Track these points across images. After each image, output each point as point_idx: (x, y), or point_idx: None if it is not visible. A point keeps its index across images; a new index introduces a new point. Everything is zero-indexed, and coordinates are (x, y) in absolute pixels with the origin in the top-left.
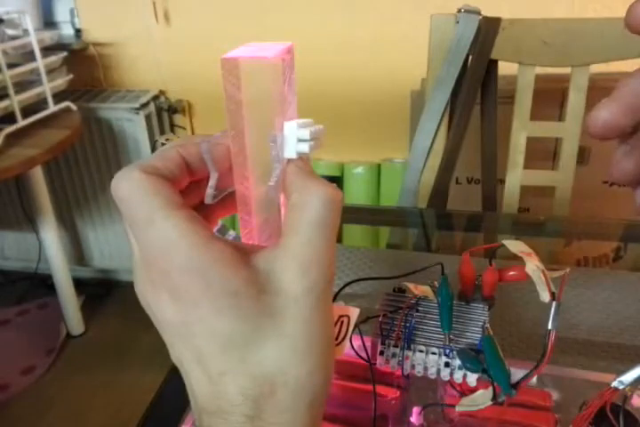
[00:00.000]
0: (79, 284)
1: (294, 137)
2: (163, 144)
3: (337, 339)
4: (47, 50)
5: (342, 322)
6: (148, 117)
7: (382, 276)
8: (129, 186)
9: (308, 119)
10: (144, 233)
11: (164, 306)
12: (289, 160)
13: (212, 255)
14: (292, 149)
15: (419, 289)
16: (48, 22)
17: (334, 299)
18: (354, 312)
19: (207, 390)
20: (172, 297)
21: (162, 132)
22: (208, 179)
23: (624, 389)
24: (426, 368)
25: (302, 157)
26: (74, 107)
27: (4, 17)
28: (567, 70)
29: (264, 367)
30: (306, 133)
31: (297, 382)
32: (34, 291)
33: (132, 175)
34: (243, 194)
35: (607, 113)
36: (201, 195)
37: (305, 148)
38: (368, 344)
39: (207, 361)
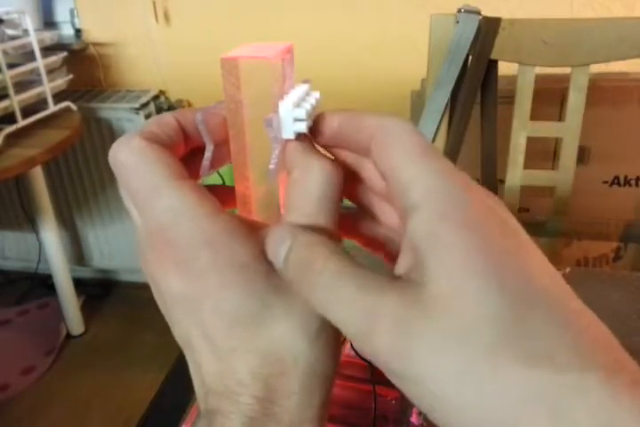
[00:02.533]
0: (79, 284)
1: (290, 117)
2: None
3: None
4: (47, 50)
5: None
6: (148, 117)
7: None
8: (130, 155)
9: (304, 85)
10: (149, 204)
11: (171, 279)
12: (287, 141)
13: (219, 227)
14: (289, 130)
15: None
16: (48, 22)
17: None
18: None
19: (215, 369)
20: (179, 270)
21: None
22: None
23: None
24: None
25: (302, 137)
26: (74, 107)
27: (4, 17)
28: (567, 70)
29: (274, 346)
30: (302, 113)
31: (307, 364)
32: (34, 291)
33: (133, 143)
34: (243, 194)
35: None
36: (196, 175)
37: (302, 127)
38: None
39: (215, 338)
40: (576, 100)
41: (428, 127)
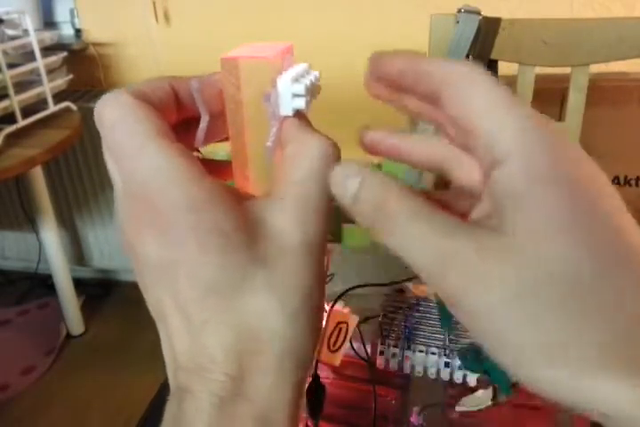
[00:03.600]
0: (79, 284)
1: (289, 93)
2: None
3: (334, 345)
4: (47, 50)
5: (340, 329)
6: None
7: (383, 277)
8: (118, 111)
9: (302, 65)
10: (132, 163)
11: (148, 244)
12: (285, 117)
13: (203, 192)
14: (287, 106)
15: (419, 289)
16: (48, 22)
17: (335, 301)
18: (353, 320)
19: (187, 344)
20: (157, 234)
21: None
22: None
23: None
24: (426, 368)
25: (300, 114)
26: (74, 107)
27: (4, 17)
28: (567, 70)
29: (249, 320)
30: (301, 88)
31: (284, 342)
32: (34, 291)
33: (121, 99)
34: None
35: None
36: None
37: (301, 103)
38: (368, 344)
39: (188, 307)
40: (576, 100)
41: (428, 127)
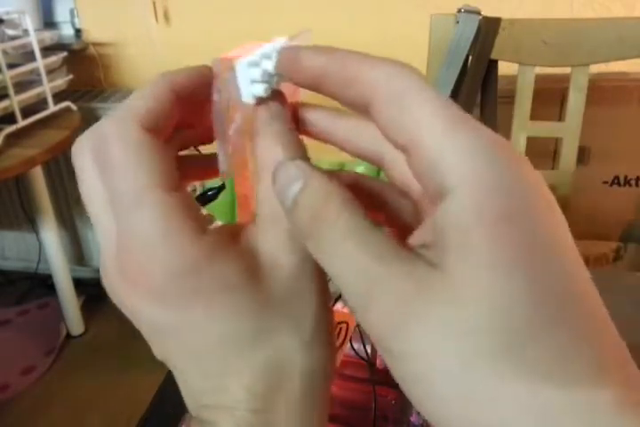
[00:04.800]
0: (79, 284)
1: (247, 78)
2: None
3: None
4: (47, 50)
5: (340, 329)
6: None
7: None
8: (124, 148)
9: (282, 39)
10: (127, 215)
11: (146, 307)
12: (247, 105)
13: (202, 251)
14: (247, 93)
15: None
16: (48, 22)
17: (335, 301)
18: (353, 320)
19: (207, 388)
20: (155, 298)
21: None
22: (187, 124)
23: None
24: None
25: (264, 101)
26: (74, 107)
27: (4, 17)
28: (567, 70)
29: (269, 359)
30: (256, 73)
31: (304, 369)
32: (34, 291)
33: (130, 133)
34: (243, 194)
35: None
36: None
37: (260, 90)
38: (368, 345)
39: (206, 364)
40: (576, 100)
41: None
